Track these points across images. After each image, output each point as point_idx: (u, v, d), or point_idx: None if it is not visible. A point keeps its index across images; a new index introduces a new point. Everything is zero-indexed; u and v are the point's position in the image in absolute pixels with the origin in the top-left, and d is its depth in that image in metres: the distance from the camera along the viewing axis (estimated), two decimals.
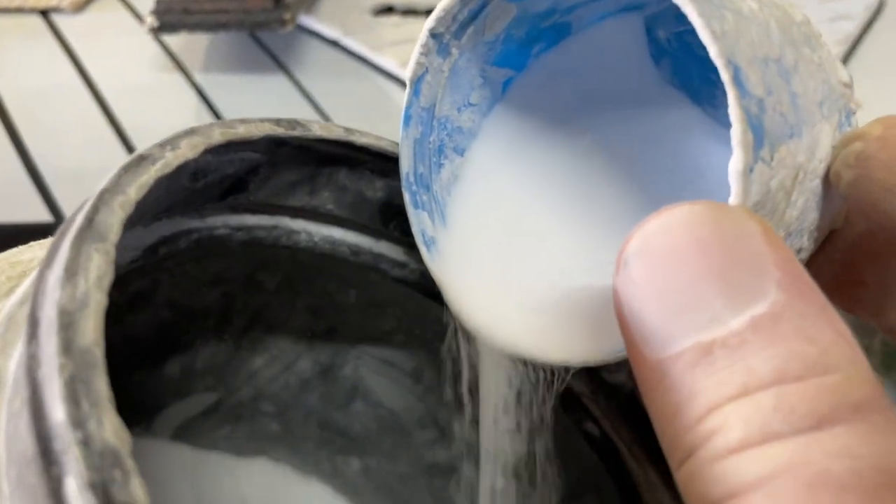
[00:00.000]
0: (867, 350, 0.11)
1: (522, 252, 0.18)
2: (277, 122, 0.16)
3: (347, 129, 0.18)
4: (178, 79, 0.48)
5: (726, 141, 0.17)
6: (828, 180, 0.15)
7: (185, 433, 0.26)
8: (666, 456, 0.12)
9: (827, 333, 0.11)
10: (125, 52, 0.51)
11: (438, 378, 0.25)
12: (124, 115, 0.44)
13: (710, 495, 0.10)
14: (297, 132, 0.17)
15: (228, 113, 0.44)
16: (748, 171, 0.13)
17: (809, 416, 0.10)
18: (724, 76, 0.13)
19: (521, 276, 0.18)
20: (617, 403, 0.21)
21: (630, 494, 0.20)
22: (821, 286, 0.12)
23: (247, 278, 0.23)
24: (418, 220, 0.18)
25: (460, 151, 0.19)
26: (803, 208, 0.15)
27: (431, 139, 0.18)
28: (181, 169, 0.14)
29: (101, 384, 0.11)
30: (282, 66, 0.50)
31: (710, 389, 0.11)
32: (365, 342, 0.25)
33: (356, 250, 0.20)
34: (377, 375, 0.26)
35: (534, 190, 0.18)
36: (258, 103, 0.45)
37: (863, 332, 0.13)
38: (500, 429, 0.18)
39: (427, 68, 0.17)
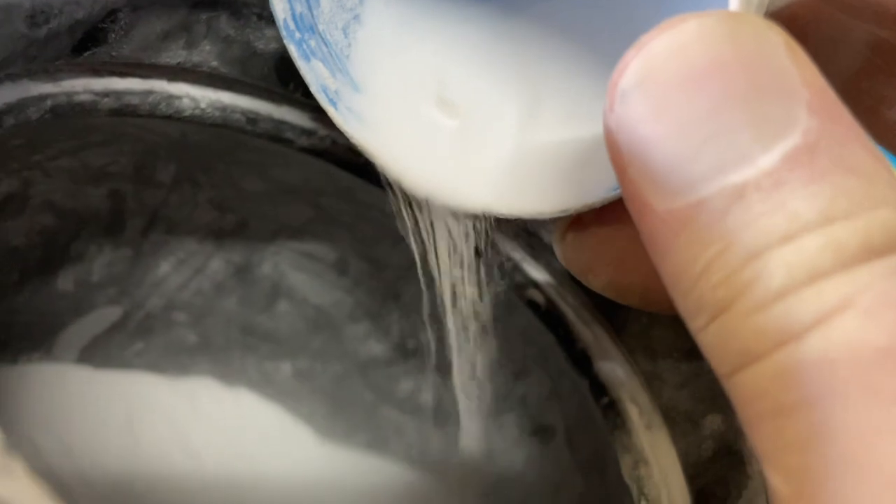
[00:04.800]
0: None
1: (460, 93, 0.15)
2: None
3: None
4: None
5: None
6: None
7: (93, 354, 0.24)
8: (686, 318, 0.10)
9: (867, 160, 0.10)
10: None
11: (365, 267, 0.23)
12: None
13: (751, 350, 0.09)
14: None
15: None
16: None
17: (861, 252, 0.09)
18: None
19: (469, 126, 0.15)
20: (560, 265, 0.19)
21: (581, 363, 0.19)
22: None
23: (136, 171, 0.21)
24: (314, 74, 0.15)
25: None
26: None
27: None
28: (10, 6, 0.12)
29: None
30: None
31: (748, 239, 0.09)
32: (281, 235, 0.23)
33: (253, 117, 0.18)
34: (299, 271, 0.24)
35: (449, 12, 0.16)
36: None
37: None
38: (461, 295, 0.16)
39: None
